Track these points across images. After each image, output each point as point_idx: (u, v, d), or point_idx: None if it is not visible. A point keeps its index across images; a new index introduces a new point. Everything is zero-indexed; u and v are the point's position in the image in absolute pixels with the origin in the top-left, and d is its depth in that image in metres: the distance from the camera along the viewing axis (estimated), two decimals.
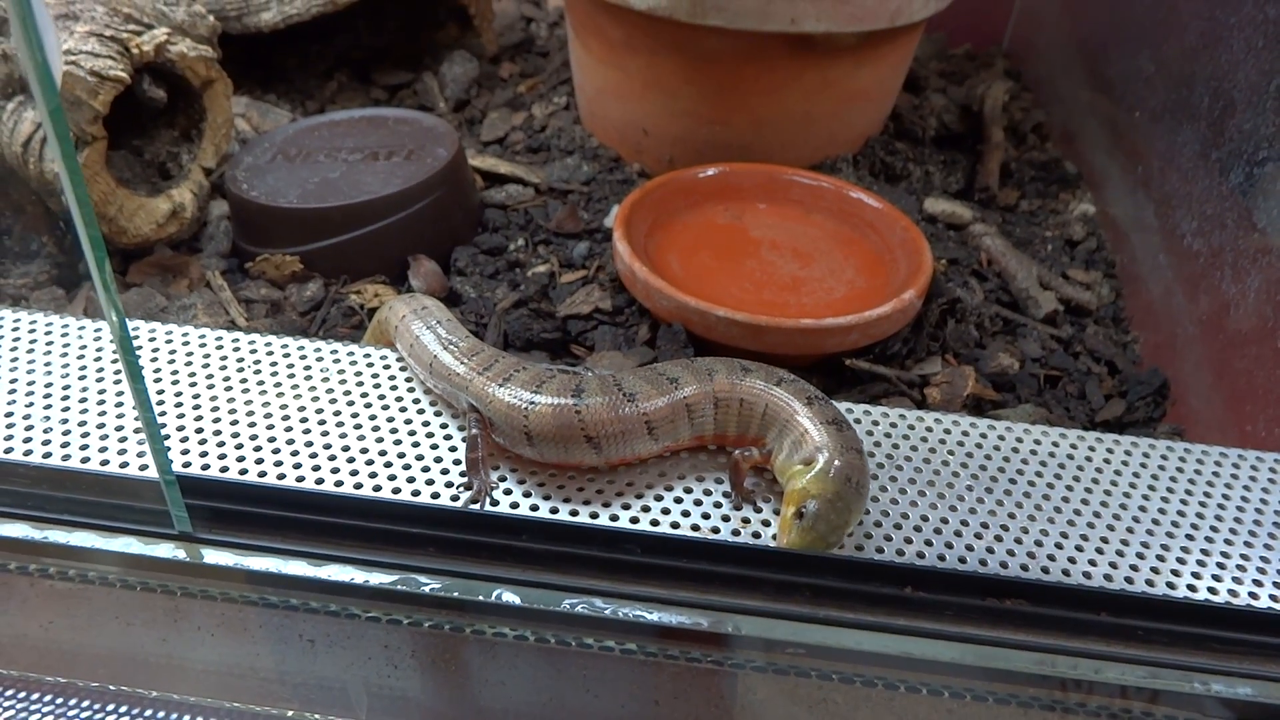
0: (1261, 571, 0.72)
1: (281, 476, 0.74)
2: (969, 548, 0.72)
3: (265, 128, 1.34)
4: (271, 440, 0.76)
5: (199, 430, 0.77)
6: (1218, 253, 1.01)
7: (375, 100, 1.46)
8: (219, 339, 0.86)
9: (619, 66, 1.27)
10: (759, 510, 0.74)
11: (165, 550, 0.67)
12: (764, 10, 1.12)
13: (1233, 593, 0.70)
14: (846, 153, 1.30)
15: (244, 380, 0.82)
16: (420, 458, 0.76)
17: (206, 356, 0.84)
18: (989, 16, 1.74)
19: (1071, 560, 0.71)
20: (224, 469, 0.74)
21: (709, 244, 1.12)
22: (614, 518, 0.73)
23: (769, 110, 1.24)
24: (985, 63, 1.66)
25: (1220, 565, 0.72)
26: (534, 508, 0.73)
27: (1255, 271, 0.94)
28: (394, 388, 0.82)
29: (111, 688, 0.84)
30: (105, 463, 0.74)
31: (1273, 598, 0.70)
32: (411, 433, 0.78)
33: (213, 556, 0.68)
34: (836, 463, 0.69)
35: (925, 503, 0.75)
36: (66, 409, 0.78)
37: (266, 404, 0.80)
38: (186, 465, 0.74)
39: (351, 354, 0.85)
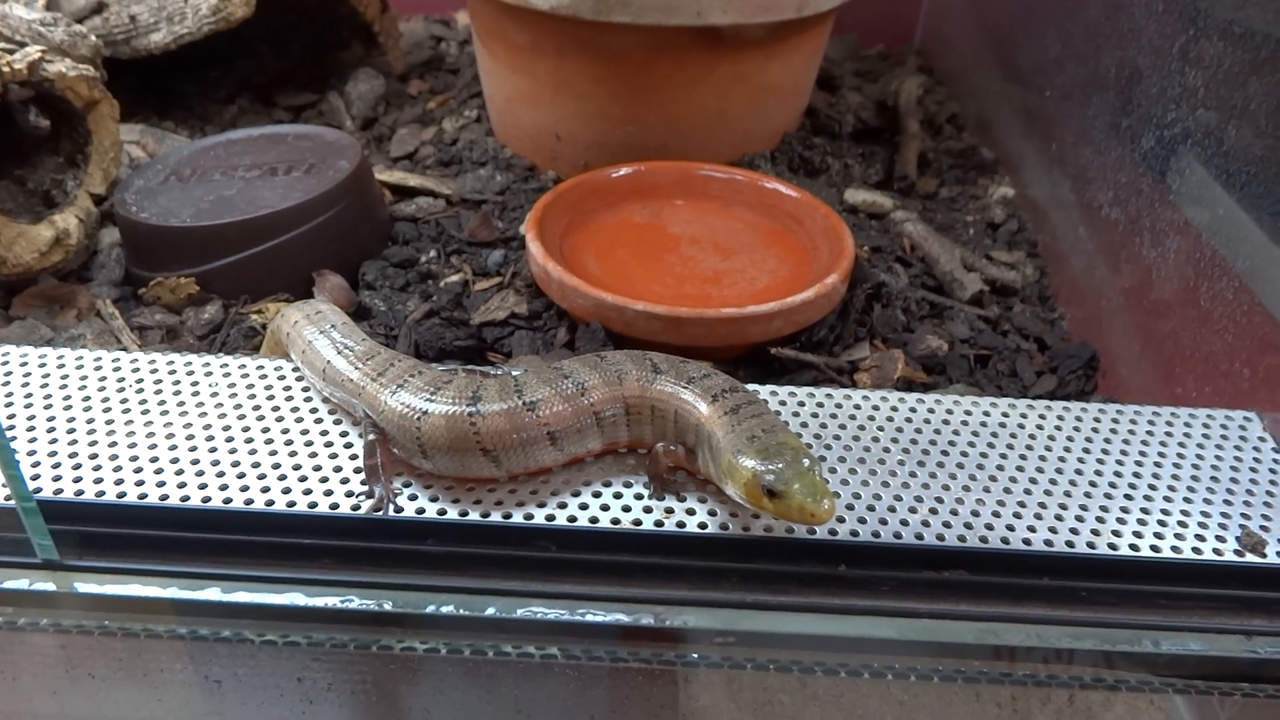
0: (1203, 526, 0.69)
1: (165, 497, 0.68)
2: (904, 522, 0.68)
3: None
4: (154, 460, 0.71)
5: (73, 454, 0.71)
6: (1135, 220, 1.00)
7: (278, 122, 1.41)
8: (98, 359, 0.80)
9: (527, 72, 1.24)
10: (682, 500, 0.70)
11: (24, 582, 0.61)
12: (669, 3, 1.10)
13: (1175, 549, 0.67)
14: (764, 149, 1.28)
15: (125, 400, 0.76)
16: (318, 468, 0.71)
17: (84, 378, 0.78)
18: (899, 17, 1.75)
19: (1010, 528, 0.68)
20: (100, 493, 0.68)
21: (627, 242, 1.09)
22: (528, 516, 0.68)
23: (682, 108, 1.22)
24: (898, 61, 1.67)
25: (1161, 522, 0.69)
26: (441, 511, 0.68)
27: (1173, 234, 0.94)
28: (289, 398, 0.77)
29: None
30: None
31: (1216, 551, 0.67)
32: (308, 443, 0.73)
33: (86, 585, 0.62)
34: (735, 437, 0.65)
35: (857, 480, 0.72)
36: None
37: (149, 423, 0.74)
38: (58, 492, 0.68)
39: (243, 366, 0.80)
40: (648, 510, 0.69)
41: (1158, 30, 0.96)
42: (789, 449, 0.63)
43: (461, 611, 0.62)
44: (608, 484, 0.71)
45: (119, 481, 0.69)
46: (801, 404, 0.79)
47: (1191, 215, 0.90)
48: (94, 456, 0.71)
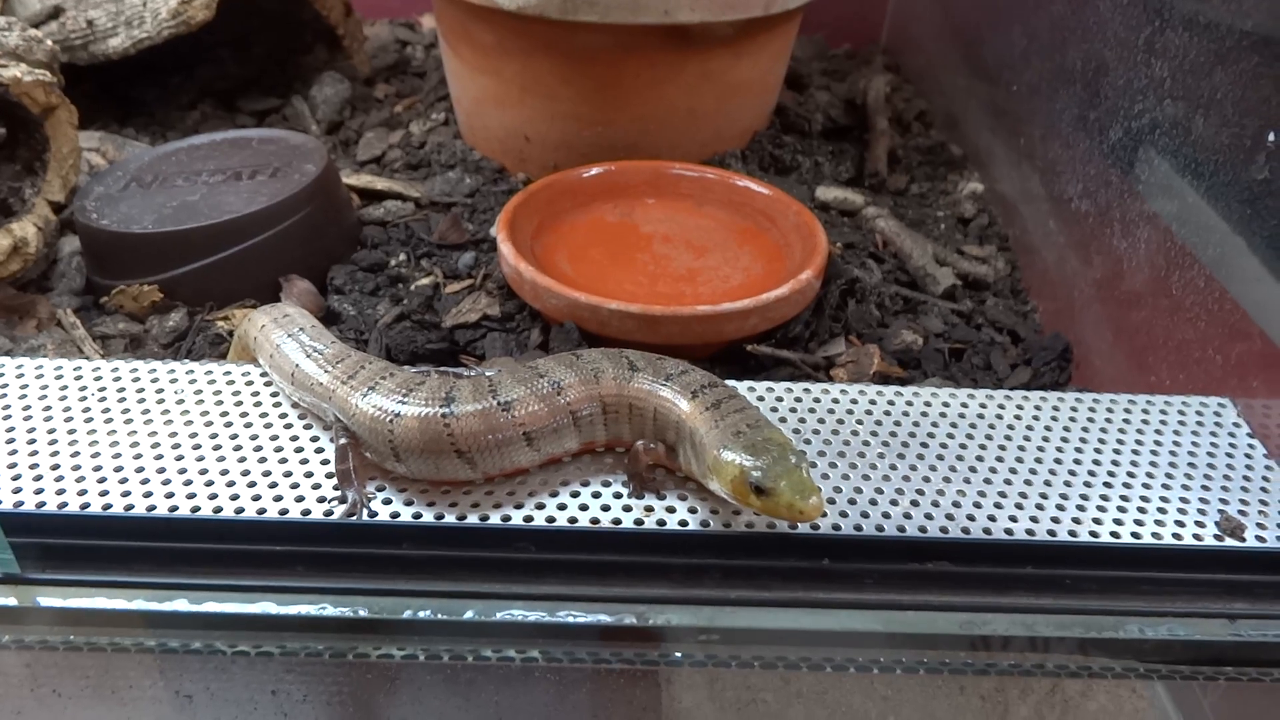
0: (1182, 512, 0.69)
1: (130, 507, 0.66)
2: (885, 515, 0.68)
3: None
4: (119, 469, 0.69)
5: (34, 465, 0.69)
6: (1105, 211, 1.01)
7: (242, 128, 1.39)
8: (58, 368, 0.78)
9: (494, 73, 1.23)
10: (662, 498, 0.69)
11: None
12: (636, 2, 1.10)
13: (1156, 535, 0.67)
14: (734, 148, 1.28)
15: (87, 409, 0.74)
16: (288, 474, 0.69)
17: (44, 387, 0.76)
18: (865, 16, 1.75)
19: (991, 518, 0.68)
20: (63, 504, 0.66)
21: (599, 242, 1.08)
22: (505, 518, 0.67)
23: (651, 108, 1.21)
24: (865, 60, 1.67)
25: (1141, 509, 0.69)
26: (416, 515, 0.66)
27: (1143, 224, 0.94)
28: (257, 404, 0.75)
29: None
30: None
31: (1196, 537, 0.67)
32: (278, 449, 0.71)
33: (49, 599, 0.60)
34: (719, 433, 0.64)
35: (837, 474, 0.71)
36: None
37: (113, 431, 0.72)
38: (19, 504, 0.65)
39: (209, 372, 0.78)
40: (627, 509, 0.68)
41: (1123, 23, 0.96)
42: (775, 445, 0.62)
43: (439, 616, 0.60)
44: (586, 484, 0.70)
45: (82, 492, 0.67)
46: (780, 399, 0.79)
47: (1159, 207, 0.91)
48: (55, 467, 0.68)
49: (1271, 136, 0.75)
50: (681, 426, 0.68)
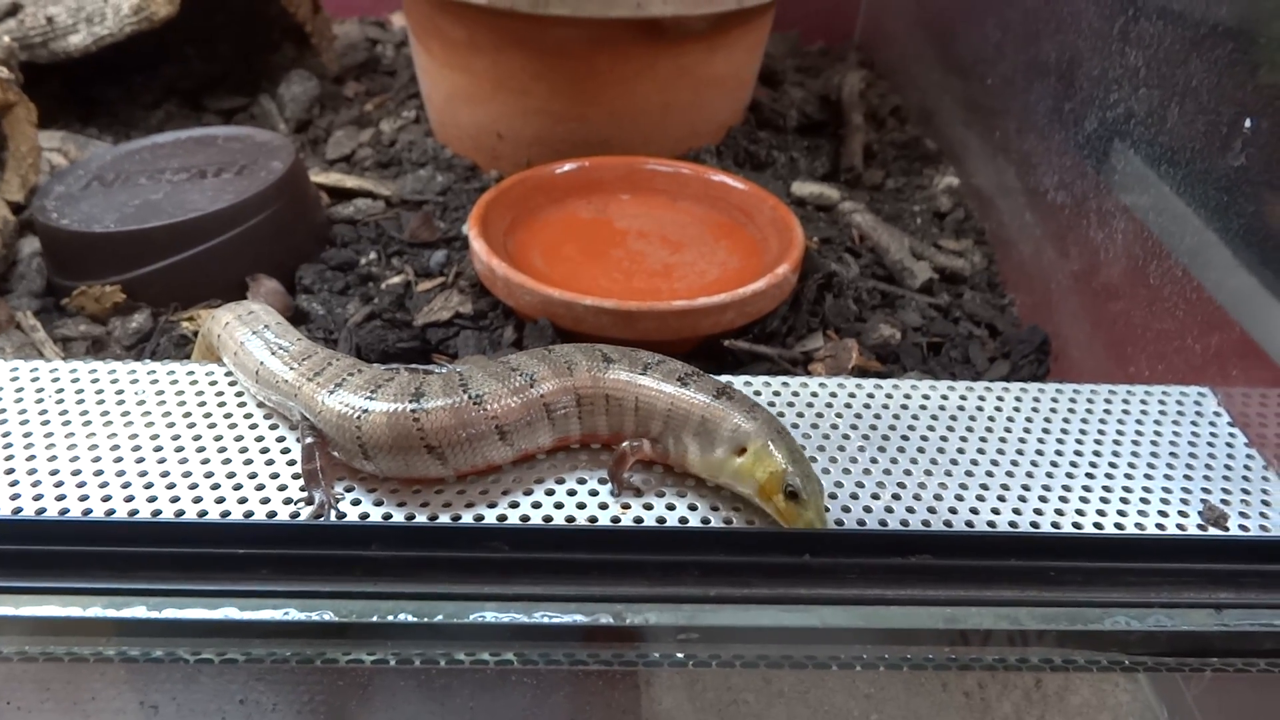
0: (1165, 501, 0.69)
1: (88, 511, 0.63)
2: (867, 509, 0.67)
3: None
4: (76, 473, 0.66)
5: None
6: (1081, 202, 1.00)
7: (208, 126, 1.36)
8: (14, 369, 0.75)
9: (465, 69, 1.21)
10: (640, 494, 0.67)
11: None
12: None
13: (1139, 525, 0.66)
14: (709, 144, 1.27)
15: (44, 410, 0.71)
16: (253, 475, 0.67)
17: None
18: (839, 13, 1.75)
19: (974, 510, 0.67)
20: (17, 510, 0.63)
21: (573, 238, 1.07)
22: (479, 517, 0.65)
23: (625, 103, 1.20)
24: (839, 57, 1.67)
25: (1124, 499, 0.69)
26: (386, 515, 0.65)
27: (1119, 214, 0.94)
28: (221, 403, 0.73)
29: None
30: None
31: (1179, 526, 0.67)
32: (242, 449, 0.69)
33: (1, 608, 0.57)
34: (760, 425, 0.64)
35: (817, 467, 0.70)
36: None
37: (71, 434, 0.69)
38: None
39: (171, 372, 0.76)
40: (603, 506, 0.66)
41: (1096, 13, 0.96)
42: (805, 458, 0.63)
43: (410, 619, 0.58)
44: (561, 480, 0.68)
45: (37, 496, 0.64)
46: (757, 393, 0.77)
47: (1131, 200, 0.90)
48: (10, 471, 0.66)
49: (1248, 123, 0.75)
50: (678, 415, 0.66)
